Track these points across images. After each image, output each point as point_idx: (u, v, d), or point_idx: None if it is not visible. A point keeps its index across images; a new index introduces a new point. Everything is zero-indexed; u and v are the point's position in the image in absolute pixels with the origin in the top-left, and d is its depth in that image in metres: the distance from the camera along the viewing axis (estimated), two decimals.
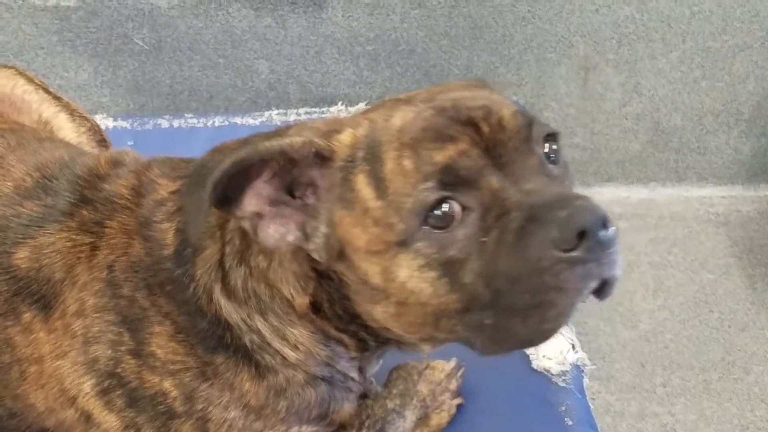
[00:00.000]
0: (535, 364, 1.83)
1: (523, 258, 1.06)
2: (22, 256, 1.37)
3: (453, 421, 1.70)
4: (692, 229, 2.61)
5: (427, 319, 1.16)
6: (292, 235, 1.19)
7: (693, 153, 2.75)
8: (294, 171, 1.17)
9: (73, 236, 1.37)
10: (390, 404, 1.62)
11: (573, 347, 1.94)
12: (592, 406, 1.91)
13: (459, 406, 1.69)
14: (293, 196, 1.19)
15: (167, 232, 1.32)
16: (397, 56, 2.65)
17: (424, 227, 1.10)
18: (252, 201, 1.16)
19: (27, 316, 1.37)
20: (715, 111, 2.70)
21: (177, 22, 2.59)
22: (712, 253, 2.52)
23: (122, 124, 2.57)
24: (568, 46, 2.62)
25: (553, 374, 1.84)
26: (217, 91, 2.71)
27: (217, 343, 1.30)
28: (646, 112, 2.70)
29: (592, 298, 1.12)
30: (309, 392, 1.36)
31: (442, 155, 1.09)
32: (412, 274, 1.12)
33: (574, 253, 1.04)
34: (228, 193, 1.13)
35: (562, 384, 1.83)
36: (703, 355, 2.21)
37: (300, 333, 1.30)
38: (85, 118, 1.86)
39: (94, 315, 1.32)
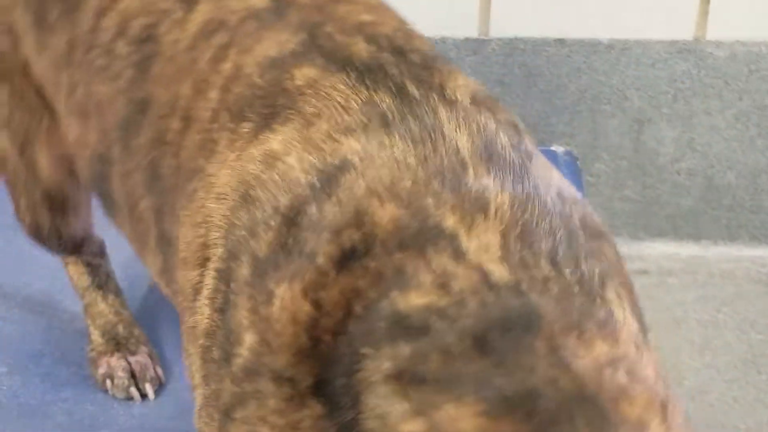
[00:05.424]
0: None
1: None
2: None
3: None
4: (742, 288, 2.58)
5: None
6: None
7: (746, 212, 2.71)
8: None
9: None
10: None
11: None
12: None
13: None
14: None
15: None
16: None
17: None
18: None
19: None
20: None
21: None
22: (762, 313, 2.48)
23: None
24: (623, 98, 2.61)
25: None
26: None
27: None
28: (699, 168, 2.68)
29: None
30: None
31: None
32: None
33: None
34: None
35: None
36: (750, 416, 2.17)
37: None
38: None
39: None
